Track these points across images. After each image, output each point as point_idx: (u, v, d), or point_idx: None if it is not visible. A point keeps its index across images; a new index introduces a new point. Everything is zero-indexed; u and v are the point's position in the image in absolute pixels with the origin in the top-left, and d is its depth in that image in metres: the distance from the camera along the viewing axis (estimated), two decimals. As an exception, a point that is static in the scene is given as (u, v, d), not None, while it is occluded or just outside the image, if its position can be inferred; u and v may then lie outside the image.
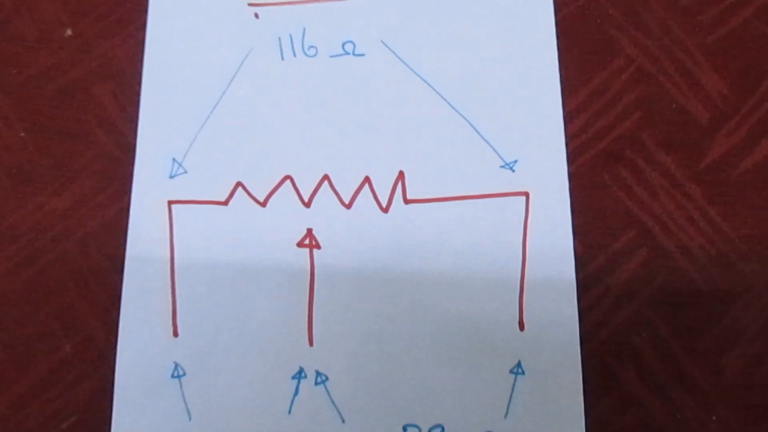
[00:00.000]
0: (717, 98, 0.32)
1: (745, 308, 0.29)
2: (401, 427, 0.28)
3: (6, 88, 0.32)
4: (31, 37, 0.33)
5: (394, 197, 0.30)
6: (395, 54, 0.32)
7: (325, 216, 0.30)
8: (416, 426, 0.28)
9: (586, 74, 0.32)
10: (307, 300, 0.29)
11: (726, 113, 0.32)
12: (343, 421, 0.28)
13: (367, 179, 0.31)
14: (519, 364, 0.28)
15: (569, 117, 0.32)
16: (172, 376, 0.29)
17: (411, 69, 0.32)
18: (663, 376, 0.29)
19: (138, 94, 0.32)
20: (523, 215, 0.30)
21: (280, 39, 0.33)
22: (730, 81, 0.32)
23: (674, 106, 0.32)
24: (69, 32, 0.33)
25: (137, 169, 0.31)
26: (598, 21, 0.33)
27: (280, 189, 0.31)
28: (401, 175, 0.31)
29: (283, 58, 0.32)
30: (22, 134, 0.32)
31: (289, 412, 0.28)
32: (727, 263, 0.30)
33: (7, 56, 0.33)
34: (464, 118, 0.31)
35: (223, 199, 0.31)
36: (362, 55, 0.32)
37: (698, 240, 0.30)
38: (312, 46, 0.33)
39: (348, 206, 0.30)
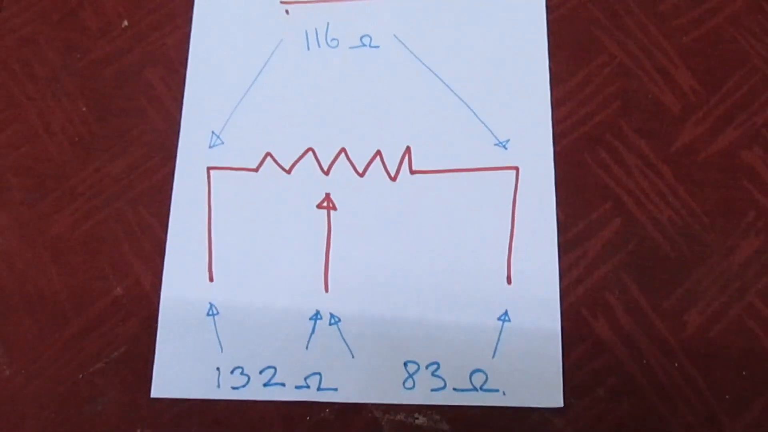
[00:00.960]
0: (688, 92, 0.37)
1: (705, 272, 0.34)
2: (402, 363, 0.32)
3: (71, 71, 0.38)
4: (93, 28, 0.38)
5: (402, 168, 0.35)
6: (406, 46, 0.37)
7: (342, 183, 0.35)
8: (415, 362, 0.32)
9: (572, 68, 0.37)
10: (324, 253, 0.34)
11: (695, 105, 0.36)
12: (353, 357, 0.32)
13: (378, 152, 0.35)
14: (506, 313, 0.33)
15: (556, 104, 0.36)
16: (208, 315, 0.33)
17: (419, 59, 0.37)
18: (632, 328, 0.33)
19: (183, 77, 0.37)
20: (513, 187, 0.35)
21: (306, 32, 0.38)
22: (700, 77, 0.37)
23: (650, 97, 0.37)
24: (125, 24, 0.38)
25: (181, 140, 0.36)
26: (585, 23, 0.38)
27: (303, 159, 0.35)
28: (408, 149, 0.35)
29: (308, 49, 0.37)
30: (84, 109, 0.37)
31: (307, 348, 0.33)
32: (691, 233, 0.34)
33: (72, 43, 0.38)
34: (464, 102, 0.36)
35: (254, 167, 0.35)
36: (377, 47, 0.37)
37: (667, 213, 0.35)
38: (334, 39, 0.38)
39: (361, 175, 0.35)
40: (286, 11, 0.38)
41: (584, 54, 0.37)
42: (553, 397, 0.31)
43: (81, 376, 0.32)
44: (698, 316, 0.33)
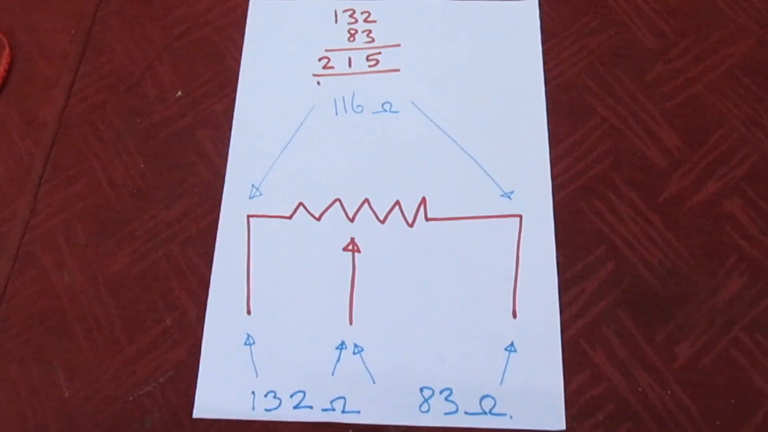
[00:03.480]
0: (673, 149, 0.41)
1: (693, 309, 0.37)
2: (419, 389, 0.36)
3: (132, 132, 0.43)
4: (152, 96, 0.45)
5: (418, 216, 0.40)
6: (422, 111, 0.43)
7: (365, 228, 0.40)
8: (430, 388, 0.36)
9: (568, 129, 0.42)
10: (349, 290, 0.38)
11: (680, 161, 0.41)
12: (374, 383, 0.36)
13: (397, 202, 0.40)
14: (512, 344, 0.36)
15: (555, 160, 0.41)
16: (245, 344, 0.37)
17: (433, 122, 0.42)
18: (627, 359, 0.36)
19: (229, 137, 0.43)
20: (517, 232, 0.39)
21: (335, 100, 0.43)
22: (683, 136, 0.42)
23: (638, 154, 0.41)
24: (180, 93, 0.45)
25: (226, 192, 0.41)
26: (579, 90, 0.43)
27: (331, 208, 0.40)
28: (424, 199, 0.40)
29: (336, 114, 0.43)
30: (142, 165, 0.42)
31: (333, 374, 0.36)
32: (679, 274, 0.38)
33: (134, 109, 0.44)
34: (473, 158, 0.41)
35: (288, 215, 0.40)
36: (397, 112, 0.43)
37: (657, 255, 0.38)
38: (359, 105, 0.43)
39: (383, 222, 0.40)
40: (318, 82, 0.44)
41: (579, 117, 0.42)
42: (556, 421, 0.35)
43: (132, 398, 0.36)
44: (688, 349, 0.36)
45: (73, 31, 0.47)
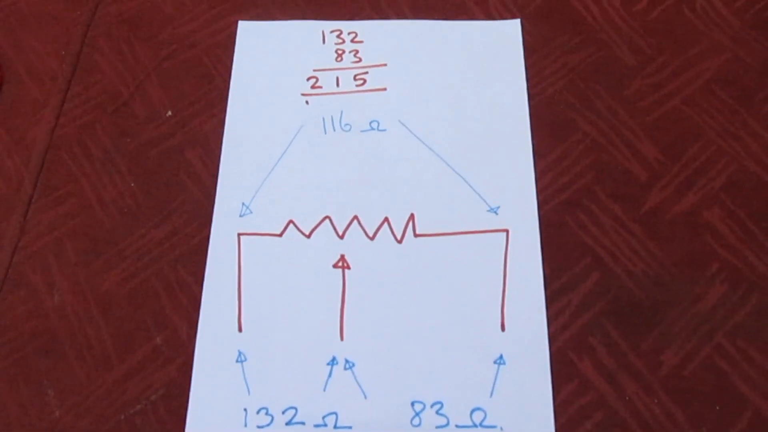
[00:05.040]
0: (653, 162, 0.42)
1: (677, 317, 0.38)
2: (410, 403, 0.36)
3: (122, 152, 0.44)
4: (142, 116, 0.45)
5: (407, 232, 0.40)
6: (409, 130, 0.43)
7: (355, 245, 0.40)
8: (421, 402, 0.36)
9: (552, 144, 0.43)
10: (340, 306, 0.39)
11: (660, 173, 0.42)
12: (366, 398, 0.36)
13: (386, 218, 0.41)
14: (501, 357, 0.37)
15: (539, 175, 0.42)
16: (237, 361, 0.37)
17: (420, 140, 0.43)
18: (614, 368, 0.37)
19: (218, 156, 0.43)
20: (504, 246, 0.40)
21: (323, 119, 0.44)
22: (663, 149, 0.43)
23: (620, 168, 0.42)
24: (169, 113, 0.45)
25: (216, 210, 0.42)
26: (562, 106, 0.44)
27: (321, 225, 0.41)
28: (412, 216, 0.41)
29: (325, 132, 0.44)
30: (132, 184, 0.43)
31: (324, 390, 0.37)
32: (662, 283, 0.39)
33: (124, 129, 0.45)
34: (460, 175, 0.42)
35: (278, 232, 0.41)
36: (384, 130, 0.44)
37: (640, 265, 0.39)
38: (347, 124, 0.44)
39: (372, 238, 0.40)
40: (306, 102, 0.45)
41: (562, 132, 0.43)
42: (546, 431, 0.35)
43: (123, 416, 0.36)
44: (673, 356, 0.37)
45: (62, 52, 0.48)
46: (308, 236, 0.41)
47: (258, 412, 0.36)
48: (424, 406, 0.36)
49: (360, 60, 0.46)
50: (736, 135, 0.43)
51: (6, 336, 0.38)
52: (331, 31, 0.47)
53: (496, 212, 0.41)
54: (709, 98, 0.44)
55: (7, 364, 0.38)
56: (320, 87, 0.45)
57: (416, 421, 0.36)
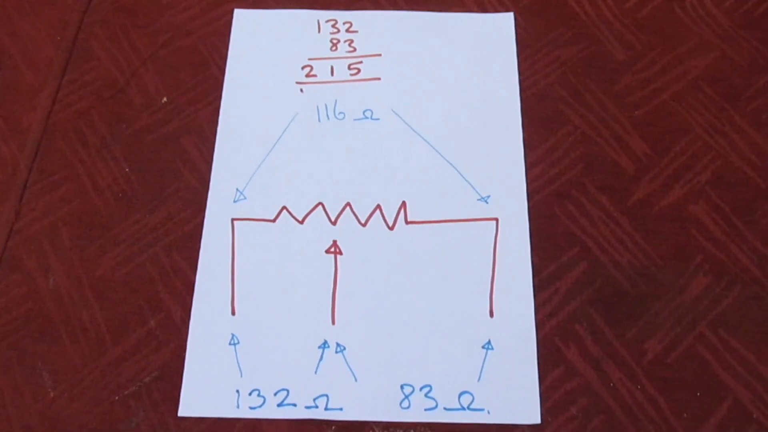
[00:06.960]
0: (641, 156, 0.43)
1: (661, 307, 0.39)
2: (399, 386, 0.37)
3: (117, 138, 0.44)
4: (138, 103, 0.45)
5: (399, 219, 0.41)
6: (401, 119, 0.44)
7: (347, 231, 0.41)
8: (411, 385, 0.37)
9: (542, 136, 0.44)
10: (332, 291, 0.39)
11: (647, 167, 0.43)
12: (356, 380, 0.37)
13: (378, 206, 0.41)
14: (489, 342, 0.38)
15: (530, 166, 0.43)
16: (230, 344, 0.38)
17: (413, 129, 0.44)
18: (599, 355, 0.38)
19: (213, 143, 0.44)
20: (494, 235, 0.40)
21: (318, 107, 0.45)
22: (650, 144, 0.44)
23: (609, 161, 0.43)
24: (165, 100, 0.45)
25: (210, 196, 0.42)
26: (553, 100, 0.45)
27: (314, 211, 0.41)
28: (404, 203, 0.41)
29: (319, 121, 0.44)
30: (127, 170, 0.43)
31: (316, 373, 0.37)
32: (648, 274, 0.40)
33: (119, 116, 0.45)
34: (451, 164, 0.42)
35: (272, 218, 0.41)
36: (378, 119, 0.44)
37: (626, 256, 0.40)
38: (341, 112, 0.45)
39: (364, 225, 0.41)
40: (301, 90, 0.45)
41: (552, 125, 0.44)
42: (532, 415, 0.36)
43: (117, 398, 0.37)
44: (657, 345, 0.38)
45: (58, 38, 0.48)
46: (301, 222, 0.41)
47: (250, 394, 0.37)
48: (413, 389, 0.37)
49: (355, 50, 0.47)
50: (723, 131, 0.44)
51: (1, 319, 0.39)
52: (327, 21, 0.48)
53: (486, 201, 0.41)
54: (697, 95, 0.45)
55: (2, 347, 0.38)
56: (315, 76, 0.46)
57: (405, 403, 0.36)
